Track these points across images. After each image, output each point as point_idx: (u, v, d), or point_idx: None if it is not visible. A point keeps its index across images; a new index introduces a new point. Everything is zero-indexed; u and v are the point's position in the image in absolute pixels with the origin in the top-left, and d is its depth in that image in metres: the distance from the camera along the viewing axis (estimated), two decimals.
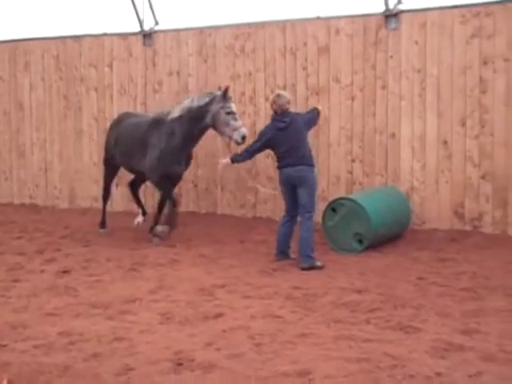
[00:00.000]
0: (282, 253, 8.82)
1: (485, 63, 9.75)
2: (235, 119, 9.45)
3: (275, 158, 8.94)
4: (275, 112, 8.80)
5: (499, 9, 9.65)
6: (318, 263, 8.41)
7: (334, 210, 9.30)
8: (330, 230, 9.32)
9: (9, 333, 6.07)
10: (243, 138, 9.32)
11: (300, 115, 9.03)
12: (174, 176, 9.99)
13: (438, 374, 5.01)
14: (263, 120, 11.50)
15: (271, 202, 11.42)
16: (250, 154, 8.97)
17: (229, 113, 9.46)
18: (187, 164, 10.22)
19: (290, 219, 8.81)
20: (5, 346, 5.71)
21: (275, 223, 10.94)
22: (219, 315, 6.58)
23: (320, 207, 9.94)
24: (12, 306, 6.95)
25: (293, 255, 8.76)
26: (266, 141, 8.80)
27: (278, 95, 8.82)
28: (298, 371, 5.15)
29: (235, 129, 9.35)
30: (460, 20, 9.90)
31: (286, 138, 8.59)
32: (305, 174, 8.55)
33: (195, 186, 12.18)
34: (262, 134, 8.93)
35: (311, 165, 8.66)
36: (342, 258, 8.83)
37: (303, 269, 8.31)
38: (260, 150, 9.02)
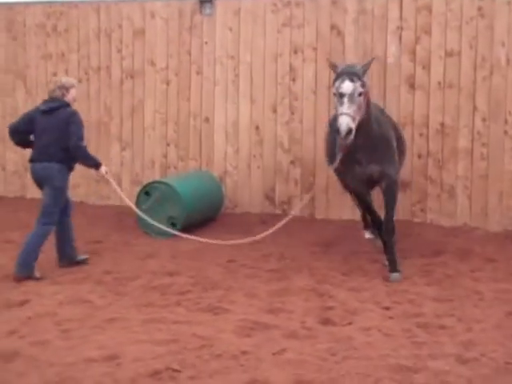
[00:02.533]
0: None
1: (295, 52, 10.08)
2: None
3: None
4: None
5: (309, 0, 10.01)
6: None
7: (147, 193, 9.27)
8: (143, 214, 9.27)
9: None
10: None
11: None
12: None
13: (244, 353, 5.16)
14: (76, 102, 11.21)
15: (85, 186, 11.18)
16: None
17: None
18: None
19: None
20: None
21: (88, 207, 10.77)
22: (24, 302, 6.37)
23: (134, 191, 9.88)
24: None
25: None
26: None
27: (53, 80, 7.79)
28: (105, 356, 5.10)
29: None
30: (272, 9, 10.16)
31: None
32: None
33: (3, 169, 11.68)
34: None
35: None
36: (154, 242, 8.82)
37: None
38: None
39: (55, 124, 7.22)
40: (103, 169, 7.55)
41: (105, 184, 11.06)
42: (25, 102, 11.46)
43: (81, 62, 11.26)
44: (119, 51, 11.00)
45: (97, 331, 5.64)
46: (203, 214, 9.58)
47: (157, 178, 10.44)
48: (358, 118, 6.71)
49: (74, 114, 7.34)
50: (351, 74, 6.77)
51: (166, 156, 10.80)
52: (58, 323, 5.84)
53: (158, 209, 9.16)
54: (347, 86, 6.70)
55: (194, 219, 9.31)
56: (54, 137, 7.21)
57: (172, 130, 10.75)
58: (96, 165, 7.51)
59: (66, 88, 7.35)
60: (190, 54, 10.58)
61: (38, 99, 11.24)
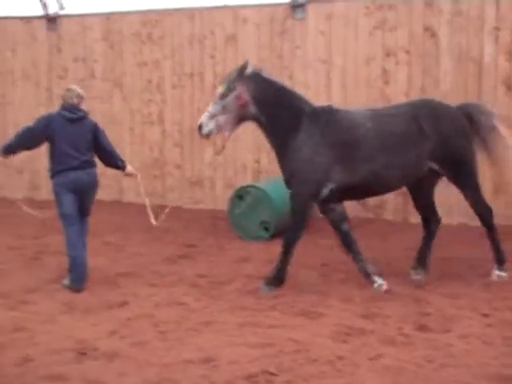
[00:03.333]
0: None
1: (387, 55, 9.98)
2: None
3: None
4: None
5: (401, 2, 9.90)
6: None
7: (240, 197, 9.34)
8: (236, 218, 9.36)
9: None
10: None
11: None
12: None
13: (340, 358, 5.13)
14: (170, 107, 11.46)
15: (179, 190, 11.38)
16: None
17: None
18: None
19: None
20: None
21: (182, 211, 10.96)
22: (123, 303, 6.53)
23: (226, 195, 9.99)
24: None
25: None
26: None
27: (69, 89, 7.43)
28: (202, 358, 5.16)
29: None
30: (364, 12, 10.09)
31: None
32: None
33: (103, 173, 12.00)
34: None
35: None
36: (248, 246, 8.88)
37: None
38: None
39: (83, 132, 7.23)
40: (129, 168, 7.69)
41: (199, 188, 11.25)
42: (121, 109, 11.78)
43: (175, 69, 11.47)
44: (212, 57, 11.15)
45: (193, 333, 5.72)
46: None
47: (249, 182, 10.51)
48: (218, 117, 6.88)
49: (96, 123, 7.47)
50: (222, 79, 7.23)
51: (258, 161, 10.87)
52: (155, 325, 5.95)
53: (251, 213, 9.23)
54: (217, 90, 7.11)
55: (286, 223, 9.31)
56: (86, 144, 7.23)
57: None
58: (124, 166, 7.65)
59: (82, 98, 7.36)
60: (281, 59, 10.63)
61: (134, 106, 11.57)
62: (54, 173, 7.12)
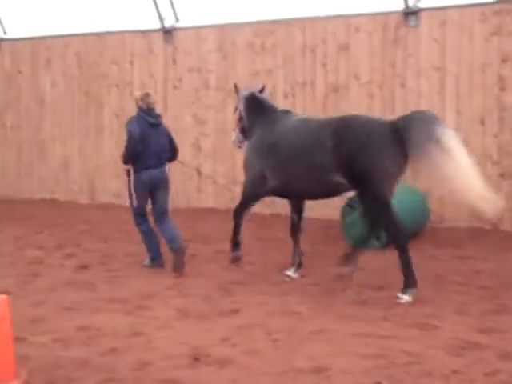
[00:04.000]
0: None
1: (504, 61, 9.69)
2: None
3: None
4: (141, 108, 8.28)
5: None
6: None
7: (352, 206, 9.28)
8: (348, 227, 9.30)
9: (27, 326, 6.13)
10: None
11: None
12: None
13: (455, 372, 5.01)
14: None
15: None
16: None
17: None
18: None
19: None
20: (23, 339, 5.77)
21: None
22: (236, 311, 6.61)
23: (338, 203, 9.94)
24: (31, 299, 7.01)
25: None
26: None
27: (148, 94, 8.35)
28: (314, 367, 5.17)
29: None
30: (480, 18, 9.84)
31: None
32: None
33: (214, 182, 12.22)
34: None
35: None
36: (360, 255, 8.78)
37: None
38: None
39: (161, 135, 8.27)
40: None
41: None
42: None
43: (287, 78, 11.55)
44: (324, 66, 11.16)
45: (305, 342, 5.73)
46: (408, 228, 9.40)
47: None
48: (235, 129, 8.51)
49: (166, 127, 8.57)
50: None
51: None
52: (267, 333, 6.00)
53: (362, 223, 9.13)
54: None
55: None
56: (162, 146, 8.26)
57: None
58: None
59: (156, 103, 8.42)
60: (394, 67, 10.52)
61: None
62: (135, 171, 8.08)
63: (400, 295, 6.87)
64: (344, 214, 9.34)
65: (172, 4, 12.50)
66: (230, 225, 8.90)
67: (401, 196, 9.62)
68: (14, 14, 13.85)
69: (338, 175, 7.08)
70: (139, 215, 8.32)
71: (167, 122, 12.29)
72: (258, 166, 7.74)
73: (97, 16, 13.09)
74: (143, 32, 12.89)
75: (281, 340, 5.82)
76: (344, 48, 10.94)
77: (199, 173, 10.78)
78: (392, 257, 8.37)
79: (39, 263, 8.64)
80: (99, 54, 13.21)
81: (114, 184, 12.87)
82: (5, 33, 14.10)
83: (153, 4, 12.44)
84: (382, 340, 5.73)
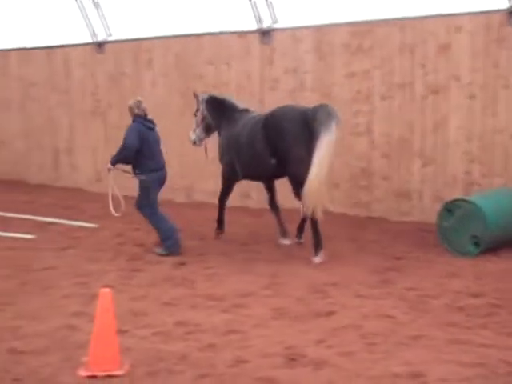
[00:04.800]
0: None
1: None
2: None
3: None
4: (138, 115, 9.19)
5: None
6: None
7: (449, 211, 9.12)
8: (445, 231, 9.15)
9: (129, 320, 6.33)
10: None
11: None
12: None
13: None
14: (379, 118, 11.45)
15: (386, 202, 11.34)
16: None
17: None
18: None
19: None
20: (126, 331, 5.96)
21: (388, 223, 10.90)
22: (331, 313, 6.63)
23: (435, 208, 9.79)
24: (132, 294, 7.23)
25: None
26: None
27: (140, 101, 9.27)
28: (410, 373, 5.14)
29: None
30: None
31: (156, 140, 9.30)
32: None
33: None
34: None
35: None
36: (457, 261, 8.64)
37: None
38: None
39: (157, 139, 9.30)
40: None
41: (406, 200, 11.14)
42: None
43: (384, 79, 11.45)
44: (423, 67, 11.00)
45: (401, 347, 5.70)
46: (509, 234, 9.19)
47: (458, 195, 10.23)
48: (196, 130, 10.27)
49: None
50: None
51: (469, 173, 10.56)
52: (362, 336, 5.99)
53: (461, 227, 8.97)
54: None
55: (499, 239, 8.98)
56: (159, 148, 9.30)
57: (476, 146, 10.49)
58: None
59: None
60: (497, 68, 10.26)
61: (342, 116, 11.64)
62: (145, 171, 9.05)
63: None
64: (441, 218, 9.18)
65: (269, 5, 12.59)
66: (324, 226, 8.95)
67: (506, 200, 9.42)
68: (118, 16, 14.26)
69: (274, 159, 8.91)
70: (152, 208, 9.19)
71: None
72: (227, 157, 9.64)
73: (195, 17, 13.33)
74: (240, 33, 13.03)
75: (376, 344, 5.80)
76: (444, 48, 10.75)
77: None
78: (489, 262, 8.23)
79: (139, 259, 8.88)
80: (196, 55, 13.44)
81: (211, 183, 13.07)
82: (109, 35, 14.53)
83: (250, 5, 12.57)
84: (481, 348, 5.63)
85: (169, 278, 7.91)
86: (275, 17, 12.60)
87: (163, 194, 10.94)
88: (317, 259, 8.65)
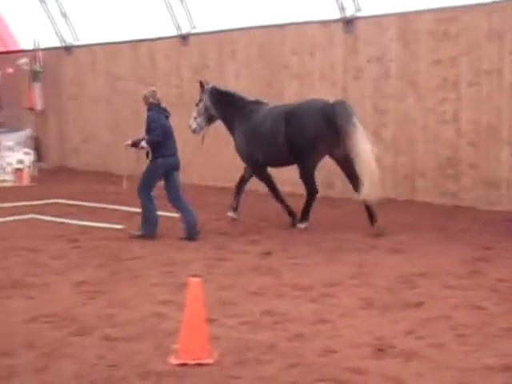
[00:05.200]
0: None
1: None
2: None
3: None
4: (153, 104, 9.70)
5: None
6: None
7: None
8: None
9: (218, 309, 6.40)
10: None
11: None
12: None
13: None
14: (466, 106, 11.21)
15: (474, 191, 11.11)
16: None
17: None
18: None
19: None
20: (215, 320, 6.03)
21: (477, 212, 10.67)
22: (420, 304, 6.54)
23: None
24: (219, 283, 7.31)
25: None
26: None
27: (155, 91, 9.88)
28: (505, 365, 5.02)
29: None
30: None
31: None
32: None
33: (394, 172, 12.10)
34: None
35: None
36: None
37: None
38: None
39: (171, 127, 9.69)
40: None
41: (495, 189, 10.88)
42: (415, 108, 11.77)
43: (471, 66, 11.19)
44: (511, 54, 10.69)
45: (494, 339, 5.57)
46: None
47: None
48: (197, 119, 10.71)
49: None
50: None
51: None
52: (453, 327, 5.89)
53: None
54: None
55: None
56: (174, 135, 9.71)
57: None
58: None
59: None
60: None
61: (428, 104, 11.48)
62: (160, 156, 9.46)
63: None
64: None
65: None
66: (410, 216, 8.83)
67: None
68: (202, 8, 14.41)
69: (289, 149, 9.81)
70: (149, 193, 9.61)
71: None
72: (247, 150, 10.36)
73: (279, 8, 13.33)
74: (324, 22, 12.96)
75: (467, 335, 5.69)
76: None
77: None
78: None
79: (224, 248, 8.97)
80: (280, 45, 13.44)
81: (291, 173, 13.06)
82: (193, 27, 14.70)
83: None
84: None
85: (255, 268, 7.97)
86: (358, 5, 12.48)
87: (250, 185, 11.09)
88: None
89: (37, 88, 17.31)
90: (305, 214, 9.94)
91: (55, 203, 12.45)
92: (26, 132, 17.09)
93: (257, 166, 10.45)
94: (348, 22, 12.58)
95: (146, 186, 9.63)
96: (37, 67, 17.38)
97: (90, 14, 16.51)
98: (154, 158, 9.51)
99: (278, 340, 5.64)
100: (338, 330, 5.84)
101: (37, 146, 17.16)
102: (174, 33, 14.95)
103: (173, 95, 15.11)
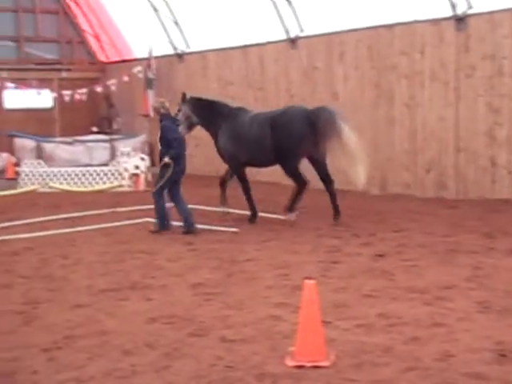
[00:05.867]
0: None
1: None
2: None
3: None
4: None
5: None
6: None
7: None
8: None
9: (332, 311, 6.43)
10: None
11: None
12: None
13: None
14: None
15: None
16: None
17: None
18: None
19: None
20: (329, 323, 6.06)
21: None
22: None
23: None
24: (333, 286, 7.33)
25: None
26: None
27: (163, 101, 10.81)
28: None
29: None
30: None
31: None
32: None
33: (509, 172, 11.76)
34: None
35: None
36: None
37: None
38: None
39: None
40: None
41: None
42: None
43: None
44: None
45: None
46: None
47: None
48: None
49: None
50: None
51: None
52: None
53: None
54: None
55: None
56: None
57: None
58: None
59: None
60: None
61: None
62: (176, 165, 10.29)
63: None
64: None
65: None
66: None
67: None
68: (310, 11, 14.47)
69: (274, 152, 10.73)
70: (161, 195, 10.45)
71: (460, 111, 12.15)
72: (231, 150, 11.20)
73: (387, 8, 13.21)
74: (434, 20, 12.74)
75: None
76: None
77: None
78: None
79: (337, 251, 8.98)
80: (389, 45, 13.31)
81: (405, 175, 12.95)
82: (301, 30, 14.79)
83: None
84: None
85: (368, 270, 7.94)
86: (470, 2, 12.19)
87: (354, 187, 11.06)
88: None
89: (150, 95, 17.82)
90: (293, 205, 10.75)
91: (171, 206, 12.77)
92: (141, 138, 17.61)
93: (238, 167, 11.33)
94: (460, 20, 12.30)
95: (162, 191, 10.45)
96: (150, 75, 17.90)
97: (200, 21, 16.89)
98: (172, 166, 10.32)
99: (393, 343, 5.61)
100: (454, 334, 5.75)
101: (151, 151, 17.65)
102: (283, 37, 15.07)
103: (282, 98, 15.26)
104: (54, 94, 19.39)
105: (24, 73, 19.58)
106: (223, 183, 11.64)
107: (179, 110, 11.51)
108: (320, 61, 14.49)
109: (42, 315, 6.73)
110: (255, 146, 10.84)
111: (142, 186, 15.57)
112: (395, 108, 13.27)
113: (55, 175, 15.86)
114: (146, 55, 18.13)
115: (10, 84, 18.89)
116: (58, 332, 6.20)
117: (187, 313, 6.64)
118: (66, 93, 18.84)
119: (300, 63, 14.87)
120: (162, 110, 10.57)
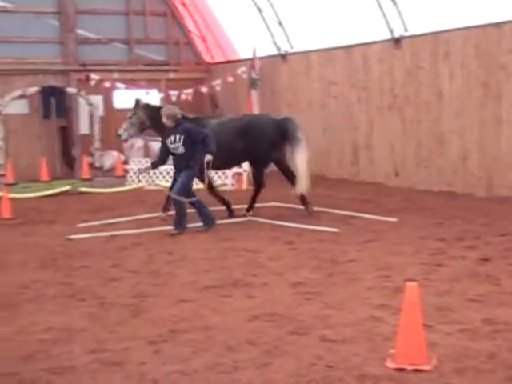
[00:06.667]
0: None
1: None
2: None
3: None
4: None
5: None
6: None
7: None
8: None
9: (434, 314, 6.35)
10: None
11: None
12: None
13: None
14: None
15: None
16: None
17: None
18: None
19: None
20: (430, 326, 5.99)
21: None
22: None
23: None
24: (435, 289, 7.24)
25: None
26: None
27: (174, 107, 11.34)
28: None
29: None
30: None
31: None
32: None
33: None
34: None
35: None
36: None
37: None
38: None
39: None
40: None
41: None
42: None
43: None
44: None
45: None
46: None
47: None
48: (129, 130, 12.76)
49: None
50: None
51: None
52: None
53: None
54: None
55: None
56: None
57: None
58: None
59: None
60: None
61: None
62: (196, 164, 10.86)
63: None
64: None
65: None
66: None
67: None
68: (415, 11, 14.27)
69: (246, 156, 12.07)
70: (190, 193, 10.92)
71: None
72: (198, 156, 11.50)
73: (496, 5, 12.86)
74: None
75: None
76: None
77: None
78: None
79: (441, 254, 8.83)
80: (497, 44, 12.95)
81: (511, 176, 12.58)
82: (406, 30, 14.60)
83: None
84: None
85: (473, 274, 7.78)
86: None
87: (460, 189, 10.81)
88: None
89: (254, 95, 18.01)
90: (252, 205, 12.03)
91: (272, 206, 12.92)
92: None
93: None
94: None
95: (188, 191, 10.78)
96: (254, 75, 18.08)
97: (304, 21, 16.94)
98: (194, 165, 10.78)
99: (498, 349, 5.50)
100: None
101: None
102: (387, 36, 14.93)
103: (386, 98, 15.12)
104: (162, 94, 19.88)
105: (134, 73, 20.17)
106: (212, 189, 12.11)
107: (134, 114, 12.51)
108: (424, 60, 14.26)
109: (148, 309, 6.97)
110: (226, 151, 11.39)
111: (244, 185, 15.77)
112: (503, 107, 12.90)
113: (161, 173, 16.29)
114: (250, 56, 18.33)
115: (119, 84, 19.50)
116: (163, 325, 6.40)
117: (288, 311, 6.72)
118: (173, 93, 19.28)
119: (404, 63, 14.68)
120: (178, 116, 10.89)
